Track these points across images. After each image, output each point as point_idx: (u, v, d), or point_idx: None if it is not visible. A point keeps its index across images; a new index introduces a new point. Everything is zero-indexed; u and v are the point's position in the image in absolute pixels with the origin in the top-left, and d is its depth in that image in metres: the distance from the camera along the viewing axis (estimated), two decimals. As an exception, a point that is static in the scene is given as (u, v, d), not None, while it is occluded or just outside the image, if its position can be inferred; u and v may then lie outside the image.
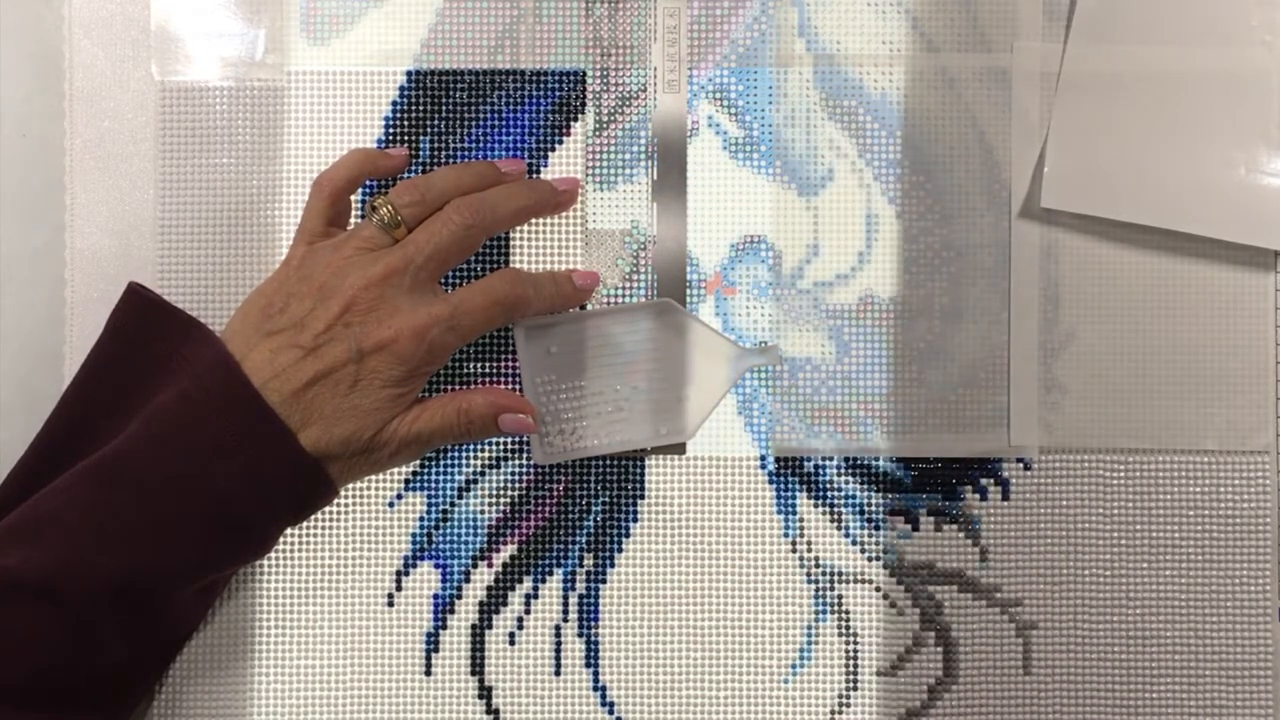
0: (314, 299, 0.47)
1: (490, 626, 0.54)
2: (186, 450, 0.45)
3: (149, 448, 0.45)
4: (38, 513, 0.45)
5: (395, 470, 0.54)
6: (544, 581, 0.55)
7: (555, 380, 0.53)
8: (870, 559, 0.54)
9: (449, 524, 0.55)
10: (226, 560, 0.48)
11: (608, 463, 0.55)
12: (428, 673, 0.54)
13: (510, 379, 0.55)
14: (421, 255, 0.48)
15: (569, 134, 0.55)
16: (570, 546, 0.55)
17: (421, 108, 0.55)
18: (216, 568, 0.48)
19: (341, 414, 0.47)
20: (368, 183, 0.54)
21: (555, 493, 0.55)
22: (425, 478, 0.54)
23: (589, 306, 0.54)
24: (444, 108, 0.55)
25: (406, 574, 0.54)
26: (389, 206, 0.49)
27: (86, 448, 0.48)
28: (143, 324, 0.52)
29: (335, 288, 0.47)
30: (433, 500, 0.55)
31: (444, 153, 0.55)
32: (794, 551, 0.54)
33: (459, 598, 0.54)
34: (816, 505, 0.55)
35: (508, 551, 0.55)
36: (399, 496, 0.54)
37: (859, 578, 0.54)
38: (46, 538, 0.44)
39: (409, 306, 0.47)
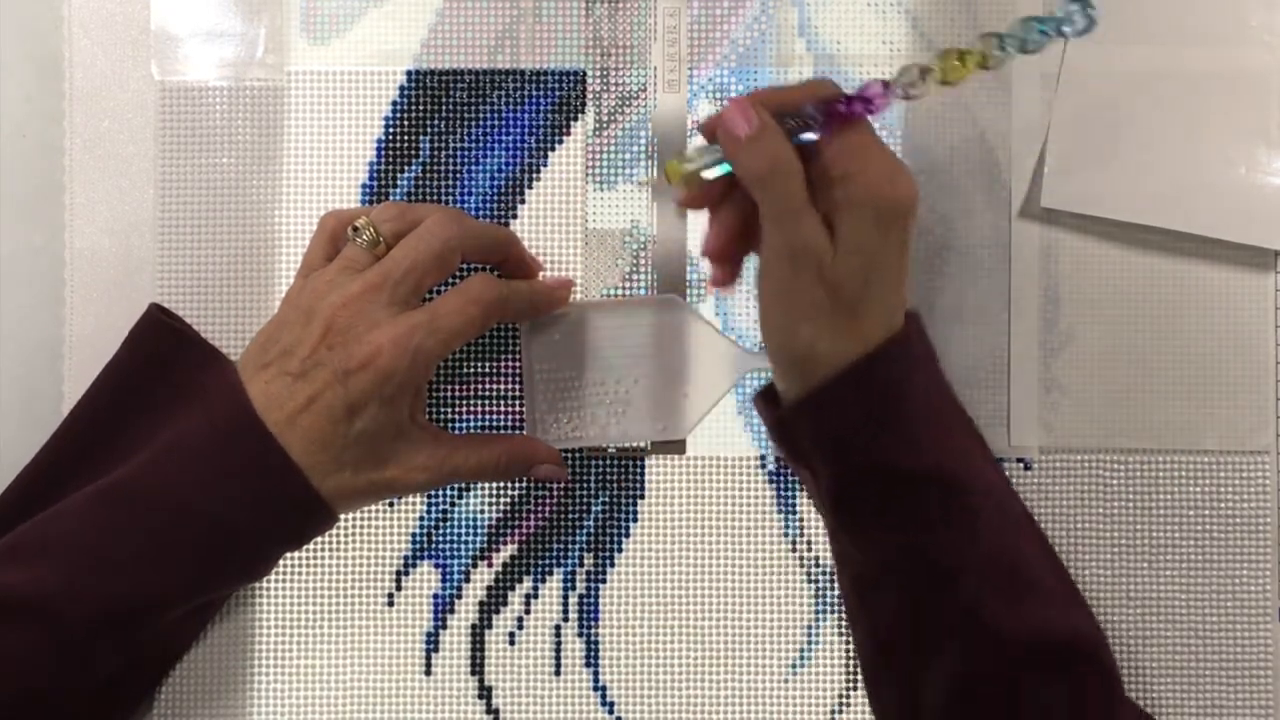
0: (300, 325, 0.47)
1: (490, 626, 0.54)
2: (201, 482, 0.45)
3: (166, 478, 0.45)
4: (45, 533, 0.45)
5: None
6: (544, 581, 0.55)
7: (556, 369, 0.53)
8: (870, 559, 0.54)
9: (449, 524, 0.55)
10: (227, 585, 0.49)
11: (607, 463, 0.55)
12: (428, 673, 0.54)
13: (511, 379, 0.55)
14: (399, 270, 0.47)
15: (569, 134, 0.55)
16: (570, 546, 0.55)
17: (421, 108, 0.55)
18: (215, 590, 0.49)
19: (348, 444, 0.46)
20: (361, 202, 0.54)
21: (555, 492, 0.55)
22: (425, 478, 0.54)
23: (586, 299, 0.54)
24: (444, 108, 0.55)
25: (406, 574, 0.54)
26: (371, 227, 0.49)
27: (97, 465, 0.49)
28: (165, 350, 0.52)
29: (316, 310, 0.47)
30: (432, 500, 0.55)
31: (444, 153, 0.55)
32: (794, 551, 0.54)
33: (459, 598, 0.54)
34: (816, 505, 0.54)
35: (508, 551, 0.55)
36: (399, 496, 0.54)
37: (859, 578, 0.54)
38: (51, 560, 0.44)
39: (388, 320, 0.46)
